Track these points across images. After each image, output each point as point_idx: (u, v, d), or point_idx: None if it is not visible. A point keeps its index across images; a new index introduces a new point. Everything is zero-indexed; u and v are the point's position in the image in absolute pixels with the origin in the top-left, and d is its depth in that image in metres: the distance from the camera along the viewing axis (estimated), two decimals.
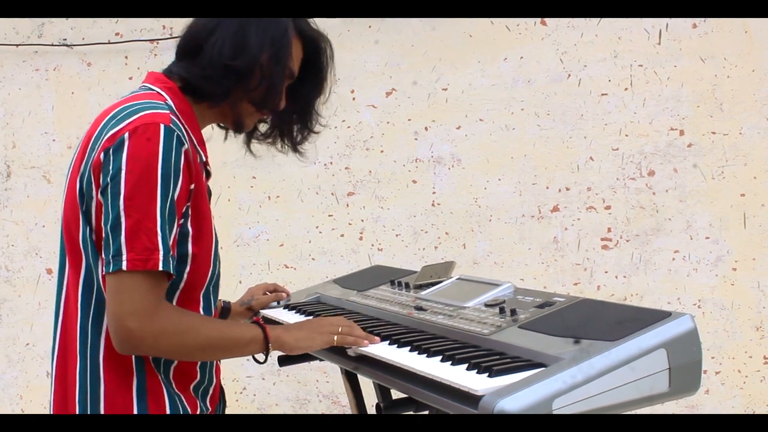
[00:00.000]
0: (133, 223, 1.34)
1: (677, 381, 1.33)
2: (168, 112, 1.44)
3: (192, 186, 1.43)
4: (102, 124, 1.45)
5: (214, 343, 1.47)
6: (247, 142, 1.78)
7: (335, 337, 1.60)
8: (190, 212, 1.44)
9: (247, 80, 1.53)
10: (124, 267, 1.33)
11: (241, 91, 1.54)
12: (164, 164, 1.37)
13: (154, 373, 1.46)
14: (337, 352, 1.67)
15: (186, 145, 1.41)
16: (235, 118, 1.61)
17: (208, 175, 1.55)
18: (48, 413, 1.53)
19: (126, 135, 1.38)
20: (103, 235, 1.37)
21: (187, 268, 1.46)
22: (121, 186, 1.35)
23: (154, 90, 1.52)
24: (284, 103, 1.61)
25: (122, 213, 1.35)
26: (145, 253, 1.34)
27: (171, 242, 1.38)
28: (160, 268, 1.35)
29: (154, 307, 1.36)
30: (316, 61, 1.66)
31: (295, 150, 1.77)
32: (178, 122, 1.44)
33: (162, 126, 1.38)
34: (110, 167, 1.37)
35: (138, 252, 1.34)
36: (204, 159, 1.53)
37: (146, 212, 1.35)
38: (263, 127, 1.76)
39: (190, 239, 1.45)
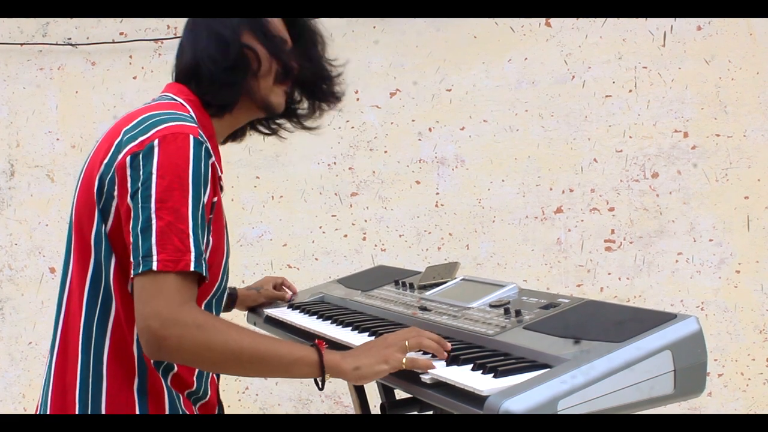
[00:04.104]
0: (164, 224, 1.33)
1: (682, 383, 1.33)
2: (195, 125, 1.45)
3: (215, 199, 1.44)
4: (127, 128, 1.45)
5: (249, 353, 1.36)
6: (300, 125, 1.78)
7: (403, 361, 1.42)
8: (211, 226, 1.44)
9: (247, 66, 1.55)
10: (154, 267, 1.31)
11: (250, 78, 1.56)
12: (194, 172, 1.37)
13: (155, 375, 1.45)
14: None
15: (213, 158, 1.43)
16: (261, 103, 1.61)
17: (221, 190, 1.56)
18: (42, 409, 1.52)
19: (156, 142, 1.38)
20: (131, 239, 1.36)
21: None
22: (153, 190, 1.35)
23: (177, 101, 1.54)
24: (296, 66, 1.62)
25: (153, 215, 1.34)
26: (177, 254, 1.32)
27: (203, 246, 1.37)
28: (192, 269, 1.33)
29: (178, 307, 1.32)
30: (296, 23, 1.68)
31: (337, 99, 1.75)
32: (204, 135, 1.46)
33: (191, 137, 1.39)
34: (140, 172, 1.37)
35: (169, 253, 1.32)
36: (220, 173, 1.53)
37: (178, 215, 1.34)
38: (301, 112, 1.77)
39: (209, 251, 1.44)
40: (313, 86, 1.72)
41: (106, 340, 1.43)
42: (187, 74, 1.58)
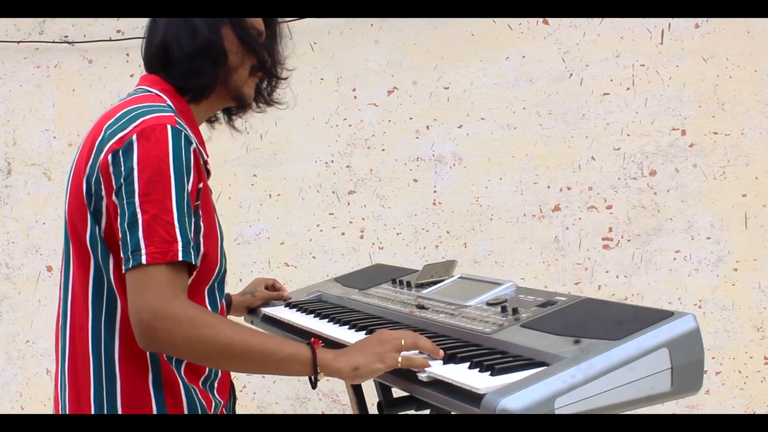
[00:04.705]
0: (149, 218, 1.34)
1: (679, 381, 1.33)
2: (172, 114, 1.46)
3: (201, 185, 1.45)
4: (106, 126, 1.46)
5: (239, 348, 1.37)
6: (230, 123, 1.79)
7: (399, 359, 1.42)
8: (200, 211, 1.45)
9: (213, 54, 1.55)
10: (143, 261, 1.33)
11: (225, 67, 1.57)
12: (175, 162, 1.38)
13: (169, 367, 1.46)
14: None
15: (194, 144, 1.44)
16: (234, 93, 1.62)
17: (208, 173, 1.56)
18: (53, 413, 1.53)
19: (134, 137, 1.39)
20: (120, 234, 1.37)
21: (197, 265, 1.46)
22: (135, 185, 1.36)
23: (152, 92, 1.55)
24: (269, 60, 1.63)
25: (138, 210, 1.35)
26: (164, 245, 1.34)
27: (191, 234, 1.38)
28: (180, 259, 1.34)
29: (169, 299, 1.33)
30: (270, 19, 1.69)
31: (270, 103, 1.75)
32: (183, 123, 1.46)
33: (169, 127, 1.40)
34: (122, 168, 1.38)
35: (156, 245, 1.33)
36: (205, 158, 1.54)
37: (162, 207, 1.35)
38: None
39: (201, 236, 1.45)
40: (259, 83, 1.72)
41: (116, 340, 1.45)
42: (157, 59, 1.58)
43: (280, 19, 1.71)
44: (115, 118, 1.46)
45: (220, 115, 1.76)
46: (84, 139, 1.53)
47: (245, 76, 1.61)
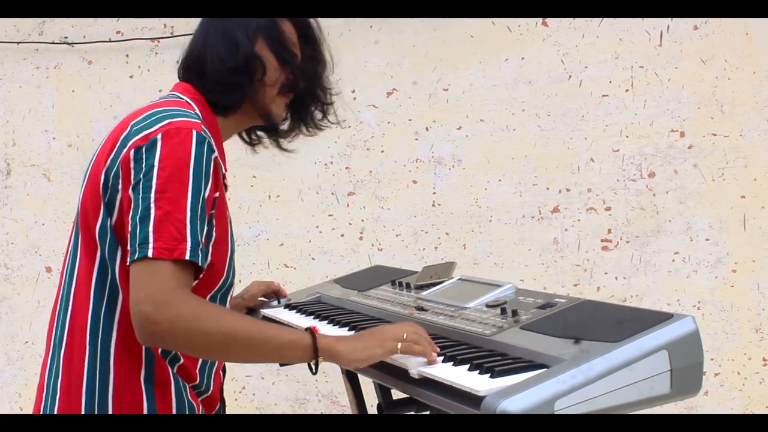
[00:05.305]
0: (162, 214, 1.36)
1: (679, 382, 1.33)
2: (199, 121, 1.48)
3: (217, 194, 1.46)
4: (133, 123, 1.48)
5: (242, 336, 1.38)
6: (276, 143, 1.81)
7: (399, 346, 1.44)
8: (213, 221, 1.46)
9: (252, 72, 1.57)
10: (149, 254, 1.33)
11: (256, 85, 1.59)
12: (196, 166, 1.40)
13: (163, 364, 1.48)
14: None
15: (215, 153, 1.46)
16: (261, 111, 1.64)
17: (225, 188, 1.57)
18: (49, 403, 1.52)
19: (159, 136, 1.41)
20: (129, 227, 1.38)
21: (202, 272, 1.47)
22: (153, 181, 1.37)
23: (183, 99, 1.57)
24: (303, 82, 1.65)
25: (152, 205, 1.36)
26: (173, 242, 1.34)
27: (202, 238, 1.39)
28: (187, 258, 1.35)
29: (171, 292, 1.33)
30: (309, 37, 1.69)
31: (319, 128, 1.79)
32: (207, 131, 1.48)
33: (194, 131, 1.42)
34: (143, 164, 1.40)
35: (165, 241, 1.34)
36: (224, 171, 1.56)
37: (176, 206, 1.36)
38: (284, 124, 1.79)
39: (211, 244, 1.46)
40: (304, 107, 1.74)
41: (114, 332, 1.46)
42: (192, 69, 1.60)
43: (325, 44, 1.72)
44: (143, 116, 1.48)
45: (264, 138, 1.80)
46: (107, 135, 1.55)
47: (273, 95, 1.63)
